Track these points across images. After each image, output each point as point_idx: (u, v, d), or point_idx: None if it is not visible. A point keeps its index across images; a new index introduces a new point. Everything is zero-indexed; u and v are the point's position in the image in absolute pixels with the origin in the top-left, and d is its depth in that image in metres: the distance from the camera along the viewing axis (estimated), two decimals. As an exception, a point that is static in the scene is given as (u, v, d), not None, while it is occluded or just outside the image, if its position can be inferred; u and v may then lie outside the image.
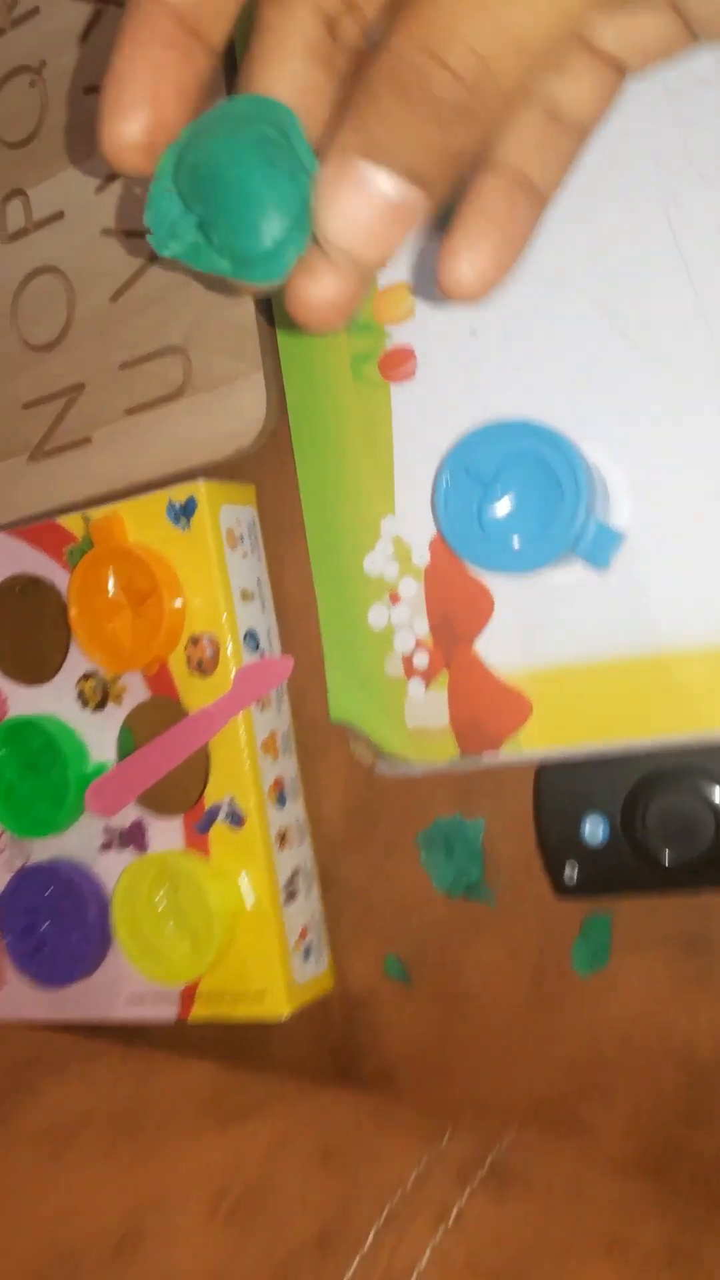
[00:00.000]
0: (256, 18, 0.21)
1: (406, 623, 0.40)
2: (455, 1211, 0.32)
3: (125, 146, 0.21)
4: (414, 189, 0.20)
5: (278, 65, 0.21)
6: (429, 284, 0.40)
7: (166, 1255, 0.30)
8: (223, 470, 0.43)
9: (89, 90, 0.46)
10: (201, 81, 0.21)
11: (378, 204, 0.20)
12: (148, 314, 0.45)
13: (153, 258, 0.45)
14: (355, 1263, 0.30)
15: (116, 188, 0.46)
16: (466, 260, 0.22)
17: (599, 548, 0.35)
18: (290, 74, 0.21)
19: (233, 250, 0.22)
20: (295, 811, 0.43)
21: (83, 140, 0.46)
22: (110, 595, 0.43)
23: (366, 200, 0.20)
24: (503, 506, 0.35)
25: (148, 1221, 0.31)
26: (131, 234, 0.45)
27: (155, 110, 0.21)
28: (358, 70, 0.20)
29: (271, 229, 0.21)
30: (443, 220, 0.23)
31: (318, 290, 0.21)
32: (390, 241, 0.20)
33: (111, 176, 0.46)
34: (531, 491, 0.35)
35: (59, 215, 0.47)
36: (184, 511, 0.41)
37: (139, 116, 0.21)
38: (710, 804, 0.36)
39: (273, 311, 0.42)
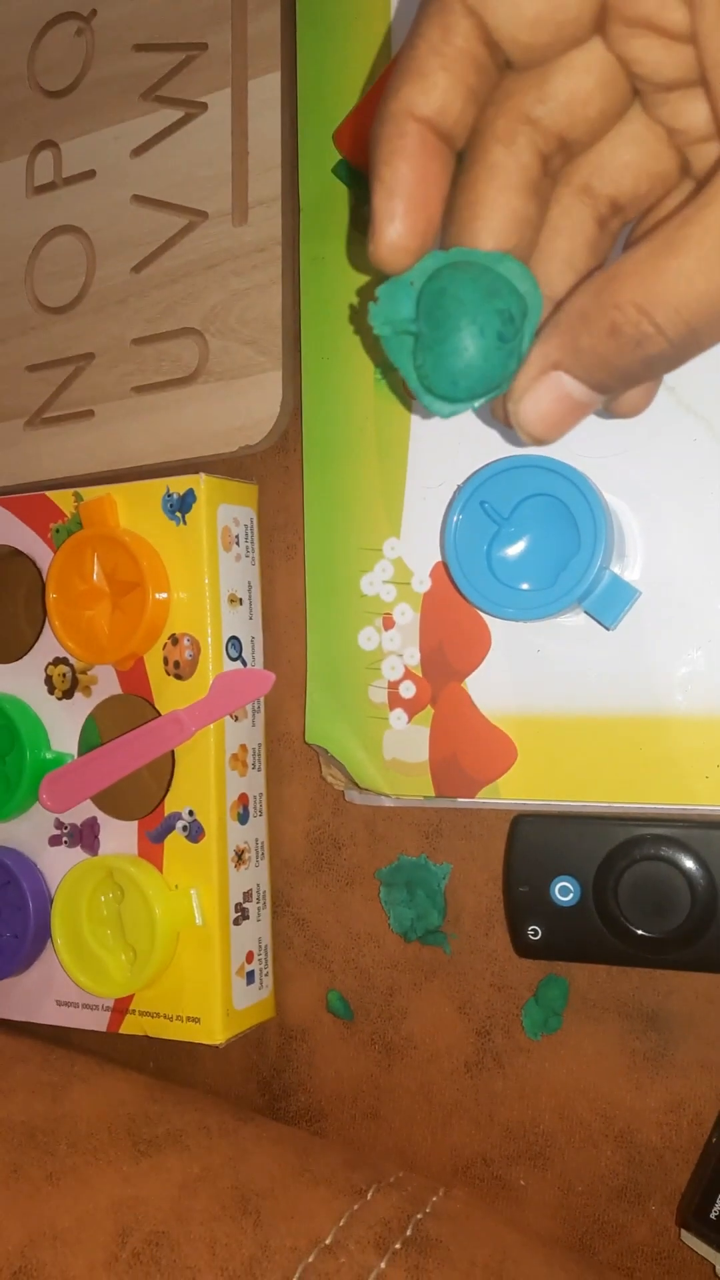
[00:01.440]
0: (483, 152, 0.24)
1: (398, 649, 0.38)
2: (370, 1280, 0.30)
3: (398, 249, 0.24)
4: (599, 397, 0.25)
5: (502, 200, 0.24)
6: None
7: (60, 1299, 0.28)
8: (225, 466, 0.41)
9: (138, 47, 0.44)
10: (450, 179, 0.24)
11: (567, 405, 0.24)
12: (170, 290, 0.43)
13: (182, 232, 0.43)
14: (259, 1331, 0.28)
15: (154, 154, 0.43)
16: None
17: (610, 603, 0.33)
18: (509, 207, 0.24)
19: (426, 376, 0.25)
20: (256, 830, 0.41)
21: (125, 99, 0.44)
22: (93, 581, 0.40)
23: (558, 401, 0.24)
24: (515, 548, 0.33)
25: (45, 1256, 0.30)
26: (163, 205, 0.43)
27: (425, 216, 0.24)
28: (573, 292, 0.24)
29: (468, 387, 0.25)
30: None
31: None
32: (567, 429, 0.25)
33: (150, 142, 0.43)
34: (547, 535, 0.33)
35: (90, 174, 0.45)
36: (181, 504, 0.39)
37: (411, 222, 0.24)
38: (687, 880, 0.34)
39: (301, 309, 0.40)
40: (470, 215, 0.24)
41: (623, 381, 0.24)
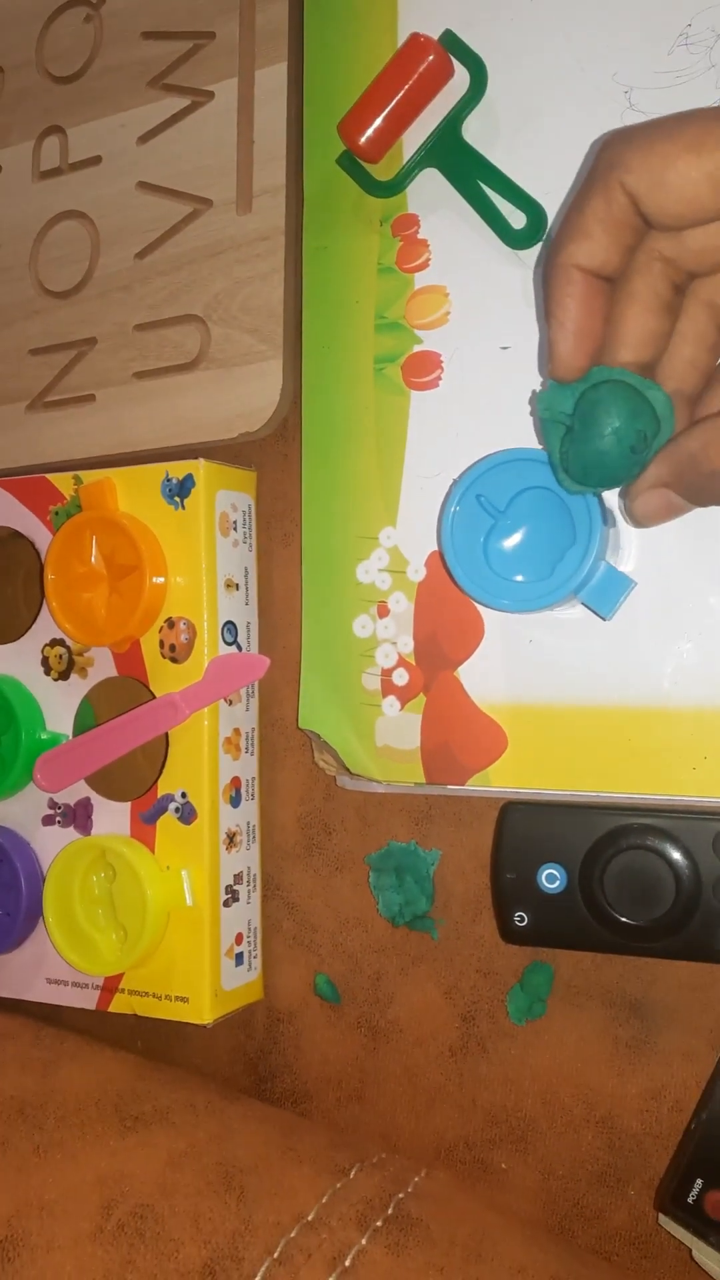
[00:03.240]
0: (625, 281, 0.30)
1: (392, 637, 0.39)
2: (351, 1256, 0.31)
3: (571, 368, 0.30)
4: (691, 505, 0.31)
5: (639, 322, 0.30)
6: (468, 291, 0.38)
7: (44, 1266, 0.29)
8: (225, 453, 0.42)
9: (147, 35, 0.44)
10: (608, 304, 0.30)
11: (668, 510, 0.31)
12: (173, 277, 0.43)
13: (186, 220, 0.43)
14: (241, 1301, 0.28)
15: (161, 141, 0.44)
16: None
17: (606, 594, 0.33)
18: (646, 327, 0.30)
19: (568, 461, 0.31)
20: (248, 813, 0.41)
21: (132, 86, 0.44)
22: (91, 564, 0.41)
23: (662, 507, 0.31)
24: (511, 540, 0.34)
25: (31, 1226, 0.30)
26: (168, 192, 0.43)
27: (590, 340, 0.30)
28: (689, 431, 0.30)
29: (598, 479, 0.31)
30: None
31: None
32: (665, 521, 0.32)
33: (156, 130, 0.44)
34: (542, 527, 0.33)
35: (96, 160, 0.45)
36: (180, 489, 0.40)
37: (579, 346, 0.30)
38: (673, 870, 0.34)
39: (302, 299, 0.41)
40: (613, 332, 0.30)
41: (713, 503, 0.31)
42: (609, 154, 0.28)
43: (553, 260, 0.30)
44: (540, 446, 0.33)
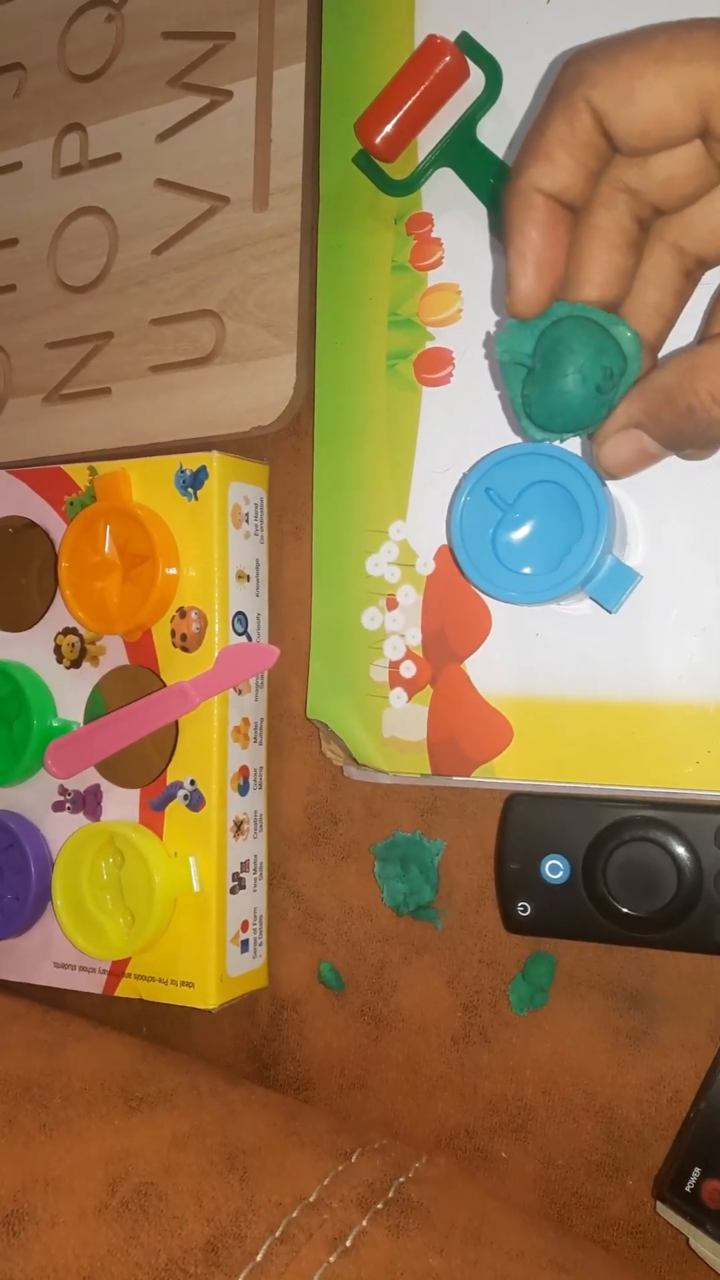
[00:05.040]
0: (589, 215, 0.28)
1: (400, 630, 0.39)
2: (352, 1236, 0.31)
3: (531, 301, 0.28)
4: (667, 452, 0.29)
5: (604, 257, 0.28)
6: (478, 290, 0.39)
7: (49, 1240, 0.29)
8: (238, 446, 0.42)
9: (167, 35, 0.45)
10: (571, 235, 0.28)
11: (640, 456, 0.29)
12: (190, 273, 0.44)
13: (203, 217, 0.43)
14: (243, 1276, 0.29)
15: (180, 139, 0.44)
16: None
17: (612, 587, 0.34)
18: (610, 263, 0.28)
19: (530, 406, 0.29)
20: (256, 802, 0.42)
21: (152, 85, 0.45)
22: (104, 554, 0.41)
23: (634, 452, 0.29)
24: (519, 533, 0.34)
25: (36, 1201, 0.30)
26: (186, 190, 0.44)
27: (552, 273, 0.28)
28: (662, 366, 0.28)
29: (563, 423, 0.29)
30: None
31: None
32: (637, 472, 0.30)
33: (175, 128, 0.44)
34: (550, 521, 0.34)
35: (115, 157, 0.46)
36: (193, 481, 0.40)
37: (540, 278, 0.28)
38: (674, 862, 0.35)
39: (317, 295, 0.41)
40: (576, 268, 0.28)
41: (689, 447, 0.29)
42: (573, 69, 0.26)
43: (513, 185, 0.28)
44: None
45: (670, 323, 0.30)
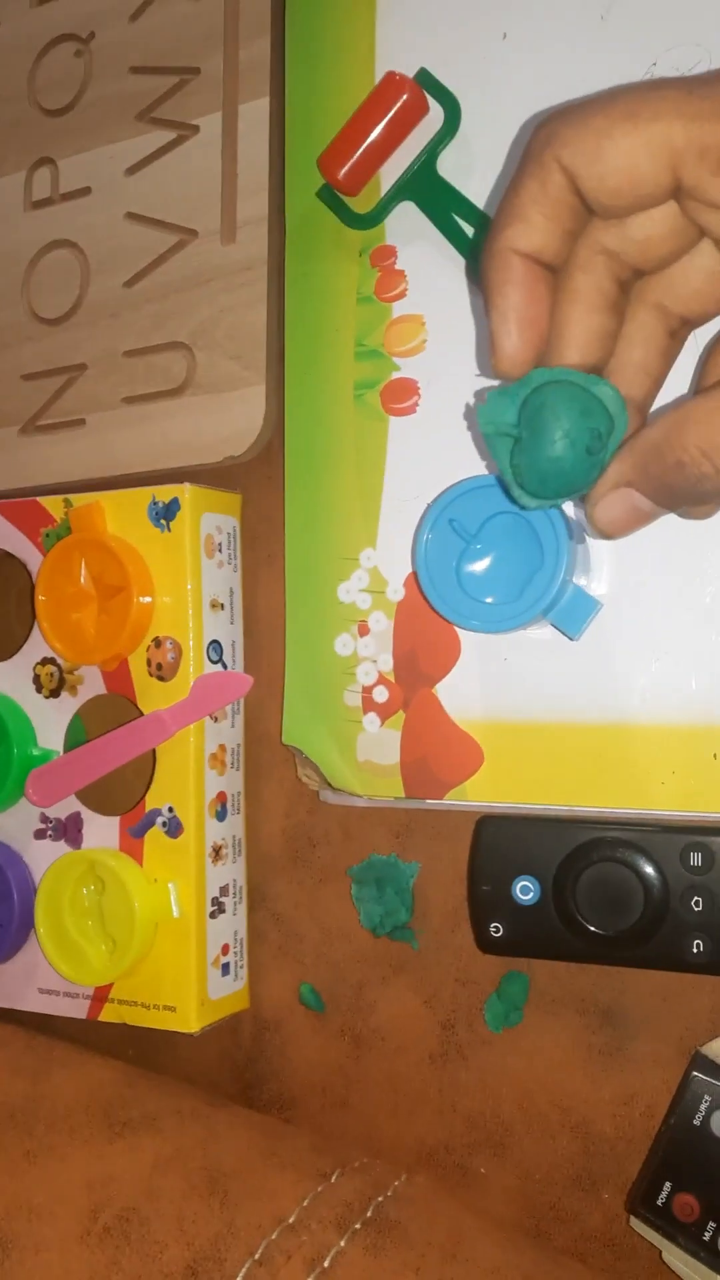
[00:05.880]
0: (567, 278, 0.28)
1: (372, 655, 0.40)
2: (330, 1257, 0.32)
3: (516, 361, 0.28)
4: (661, 510, 0.29)
5: (584, 321, 0.28)
6: (444, 322, 0.39)
7: (33, 1267, 0.30)
8: (210, 475, 0.43)
9: (135, 70, 0.45)
10: (552, 294, 0.28)
11: (633, 514, 0.29)
12: (160, 305, 0.44)
13: (173, 250, 0.44)
14: (220, 1300, 0.29)
15: (148, 173, 0.45)
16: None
17: (573, 615, 0.34)
18: (590, 326, 0.28)
19: (520, 474, 0.29)
20: (234, 827, 0.42)
21: (120, 119, 0.46)
22: (80, 585, 0.42)
23: (626, 511, 0.29)
24: (482, 564, 0.35)
25: (20, 1228, 0.31)
26: (156, 223, 0.45)
27: (535, 332, 0.28)
28: (651, 423, 0.28)
29: (555, 488, 0.28)
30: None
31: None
32: (632, 531, 0.30)
33: (144, 162, 0.45)
34: (512, 552, 0.35)
35: (86, 190, 0.47)
36: (166, 512, 0.41)
37: (524, 338, 0.28)
38: (642, 881, 0.36)
39: (285, 326, 0.42)
40: (557, 333, 0.29)
41: (682, 503, 0.29)
42: (544, 131, 0.27)
43: (490, 247, 0.28)
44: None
45: (657, 382, 0.30)
